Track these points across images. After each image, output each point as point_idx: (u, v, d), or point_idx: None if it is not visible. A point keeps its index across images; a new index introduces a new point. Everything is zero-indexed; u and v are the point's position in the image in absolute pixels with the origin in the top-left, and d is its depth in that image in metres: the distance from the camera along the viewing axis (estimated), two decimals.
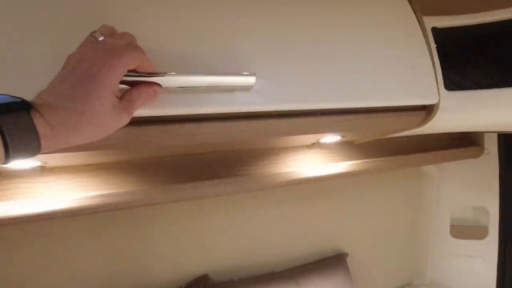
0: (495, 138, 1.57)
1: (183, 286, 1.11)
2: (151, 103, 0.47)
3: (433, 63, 0.79)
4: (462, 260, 1.67)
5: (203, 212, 1.17)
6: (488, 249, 1.64)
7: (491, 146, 1.55)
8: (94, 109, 0.38)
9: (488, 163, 1.59)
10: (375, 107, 0.71)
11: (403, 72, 0.72)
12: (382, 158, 1.12)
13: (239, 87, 0.53)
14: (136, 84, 0.44)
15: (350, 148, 1.14)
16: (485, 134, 1.47)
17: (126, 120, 0.44)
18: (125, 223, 1.05)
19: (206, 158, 0.89)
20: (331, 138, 0.95)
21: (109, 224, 1.03)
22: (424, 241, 1.71)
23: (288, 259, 1.33)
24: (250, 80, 0.52)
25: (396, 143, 1.24)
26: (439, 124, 0.87)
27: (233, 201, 1.21)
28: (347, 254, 1.41)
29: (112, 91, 0.40)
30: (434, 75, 0.78)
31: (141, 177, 0.78)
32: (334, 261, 1.33)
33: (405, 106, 0.78)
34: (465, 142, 1.40)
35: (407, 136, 1.28)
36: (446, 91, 0.82)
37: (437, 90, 0.77)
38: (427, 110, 0.81)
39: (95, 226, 1.01)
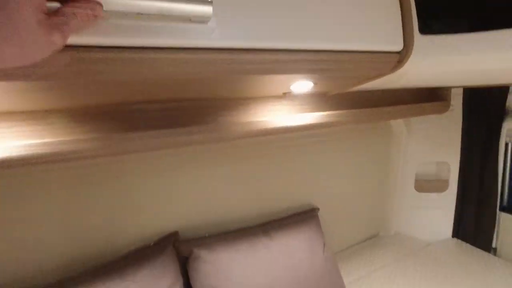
0: (460, 95, 1.61)
1: (152, 243, 1.08)
2: (91, 25, 0.40)
3: (408, 6, 0.75)
4: (423, 211, 1.79)
5: (173, 168, 1.12)
6: (447, 201, 1.75)
7: (456, 103, 1.60)
8: (11, 23, 0.31)
9: (453, 120, 1.65)
10: (343, 49, 0.67)
11: (371, 15, 0.68)
12: (353, 110, 1.11)
13: (194, 17, 0.46)
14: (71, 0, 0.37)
15: (322, 100, 1.11)
16: (452, 90, 1.50)
17: (59, 41, 0.37)
18: (91, 178, 0.98)
19: (171, 106, 0.83)
20: (303, 86, 0.91)
21: (73, 179, 0.95)
22: (390, 195, 1.79)
23: (260, 215, 1.34)
24: (206, 9, 0.45)
25: (368, 97, 1.23)
26: (411, 72, 0.86)
27: (203, 156, 1.17)
28: (318, 209, 1.44)
29: (34, 2, 0.33)
30: (407, 18, 0.75)
31: (94, 125, 0.71)
32: (306, 216, 1.35)
33: (377, 50, 0.75)
34: (432, 97, 1.42)
35: (378, 90, 1.27)
36: (420, 35, 0.79)
37: (407, 35, 0.74)
38: (400, 55, 0.78)
39: (58, 180, 0.93)
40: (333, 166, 1.53)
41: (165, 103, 0.81)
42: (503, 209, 1.64)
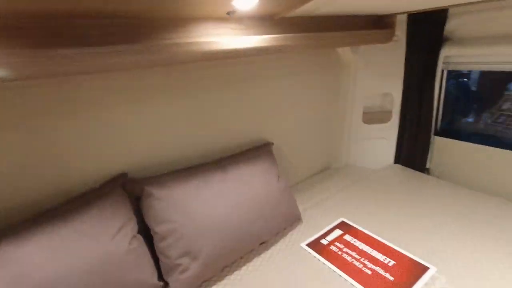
0: (404, 25, 1.65)
1: (99, 186, 1.02)
2: None
3: None
4: (370, 142, 1.91)
5: (114, 103, 1.02)
6: (390, 130, 1.88)
7: (401, 33, 1.64)
8: None
9: (397, 51, 1.70)
10: None
11: None
12: (300, 34, 1.07)
13: None
14: None
15: (269, 24, 1.05)
16: (397, 18, 1.52)
17: None
18: (34, 115, 0.85)
19: (104, 23, 0.71)
20: (246, 1, 0.84)
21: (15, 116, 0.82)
22: (340, 128, 1.88)
23: (214, 152, 1.32)
24: None
25: (316, 22, 1.19)
26: None
27: (148, 90, 1.08)
28: (272, 143, 1.46)
29: None
30: None
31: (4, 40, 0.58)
32: (260, 150, 1.37)
33: None
34: (379, 25, 1.43)
35: (325, 16, 1.24)
36: None
37: None
38: None
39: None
40: (285, 100, 1.53)
41: (96, 19, 0.70)
42: (437, 133, 1.81)
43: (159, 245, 1.00)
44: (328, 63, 1.68)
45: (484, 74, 1.92)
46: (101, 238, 0.89)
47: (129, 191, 1.05)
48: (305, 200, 1.55)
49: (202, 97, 1.22)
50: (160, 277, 1.00)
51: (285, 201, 1.29)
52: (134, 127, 1.08)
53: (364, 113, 1.85)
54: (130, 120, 1.07)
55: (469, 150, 1.68)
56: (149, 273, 0.96)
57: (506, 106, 1.83)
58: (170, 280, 0.98)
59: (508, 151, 1.54)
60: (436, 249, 1.15)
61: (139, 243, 0.98)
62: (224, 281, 1.06)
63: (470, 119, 1.88)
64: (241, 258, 1.16)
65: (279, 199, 1.26)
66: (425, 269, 1.06)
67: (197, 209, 1.03)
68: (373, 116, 1.87)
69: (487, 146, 1.61)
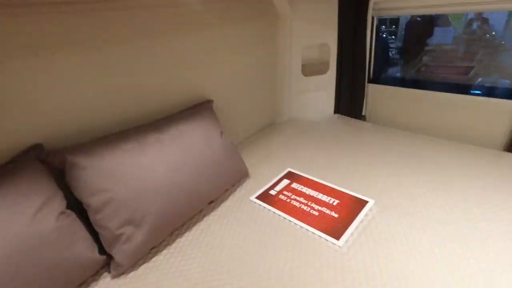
0: None
1: (6, 162, 0.86)
2: None
3: None
4: (310, 95, 1.94)
5: (28, 63, 0.83)
6: (328, 81, 1.92)
7: None
8: None
9: (331, 0, 1.69)
10: None
11: None
12: None
13: None
14: None
15: None
16: None
17: None
18: None
19: None
20: None
21: None
22: (281, 83, 1.86)
23: (148, 113, 1.20)
24: None
25: None
26: None
27: (61, 39, 0.90)
28: (212, 101, 1.39)
29: None
30: None
31: None
32: (199, 108, 1.28)
33: None
34: None
35: None
36: None
37: None
38: None
39: None
40: (221, 54, 1.44)
41: None
42: (370, 81, 1.91)
43: (96, 218, 0.90)
44: (263, 14, 1.60)
45: (410, 24, 2.03)
46: (19, 219, 0.76)
47: (50, 164, 0.91)
48: (251, 156, 1.54)
49: (129, 47, 1.07)
50: (103, 250, 0.92)
51: (230, 157, 1.26)
52: (45, 87, 0.91)
53: (303, 65, 1.85)
54: (40, 79, 0.89)
55: (400, 94, 1.81)
56: (87, 249, 0.87)
57: (425, 60, 1.98)
58: (113, 252, 0.90)
59: (434, 92, 1.69)
60: (374, 185, 1.25)
61: (71, 219, 0.87)
62: (174, 245, 1.02)
63: (399, 66, 2.01)
64: (191, 219, 1.13)
65: (224, 156, 1.22)
66: (364, 203, 1.14)
67: (133, 175, 0.94)
68: (311, 68, 1.88)
69: (415, 89, 1.74)
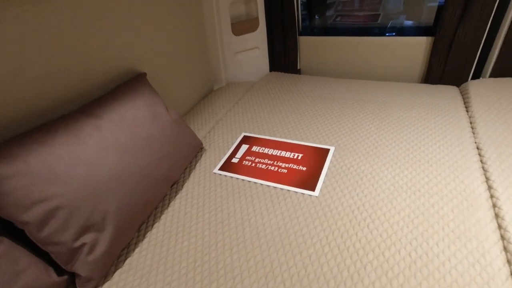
0: None
1: None
2: None
3: None
4: (244, 55, 1.86)
5: None
6: (260, 38, 1.86)
7: None
8: None
9: None
10: None
11: None
12: None
13: None
14: None
15: None
16: None
17: None
18: None
19: None
20: None
21: None
22: (212, 45, 1.73)
23: (73, 97, 0.98)
24: None
25: None
26: None
27: None
28: (145, 73, 1.20)
29: None
30: None
31: None
32: (133, 83, 1.10)
33: None
34: None
35: None
36: None
37: None
38: None
39: None
40: (146, 21, 1.23)
41: None
42: (300, 33, 1.91)
43: (40, 236, 0.72)
44: None
45: None
46: None
47: None
48: (200, 127, 1.44)
49: (20, 14, 0.81)
50: (60, 270, 0.76)
51: (182, 133, 1.14)
52: None
53: (233, 24, 1.74)
54: None
55: (328, 43, 1.86)
56: (39, 275, 0.71)
57: (338, 10, 2.04)
58: (76, 267, 0.75)
59: (359, 37, 1.78)
60: (328, 133, 1.29)
61: (4, 248, 0.68)
62: (146, 239, 0.91)
63: (317, 18, 2.04)
64: (156, 208, 1.01)
65: (176, 132, 1.10)
66: (326, 151, 1.18)
67: (78, 172, 0.77)
68: (241, 26, 1.78)
69: (342, 37, 1.81)
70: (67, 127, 0.83)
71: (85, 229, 0.76)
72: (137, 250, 0.88)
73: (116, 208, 0.81)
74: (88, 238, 0.76)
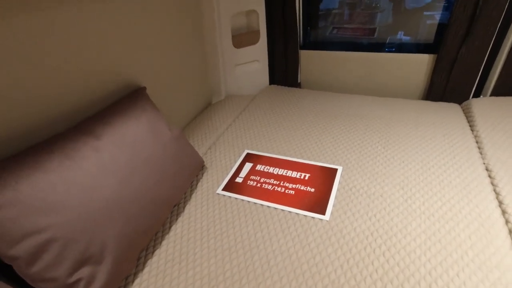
0: None
1: None
2: None
3: None
4: (244, 67, 1.82)
5: None
6: (261, 51, 1.83)
7: None
8: None
9: None
10: None
11: None
12: None
13: None
14: None
15: None
16: None
17: None
18: None
19: None
20: None
21: None
22: (212, 58, 1.68)
23: (69, 113, 0.91)
24: None
25: None
26: None
27: None
28: (144, 87, 1.14)
29: None
30: None
31: None
32: (133, 98, 1.04)
33: None
34: None
35: None
36: None
37: None
38: None
39: None
40: (143, 29, 1.18)
41: None
42: (301, 47, 1.89)
43: (31, 272, 0.64)
44: None
45: None
46: None
47: None
48: (200, 143, 1.38)
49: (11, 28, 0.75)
50: None
51: (184, 151, 1.08)
52: None
53: (233, 36, 1.70)
54: None
55: (329, 58, 1.85)
56: None
57: (335, 19, 2.03)
58: None
59: (359, 52, 1.77)
60: (335, 152, 1.26)
61: None
62: (147, 269, 0.83)
63: (324, 31, 2.03)
64: (156, 233, 0.94)
65: (177, 150, 1.04)
66: (334, 171, 1.14)
67: (74, 199, 0.70)
68: (242, 39, 1.74)
69: (342, 52, 1.80)
70: (62, 149, 0.76)
71: (81, 263, 0.68)
72: (136, 281, 0.80)
73: (115, 237, 0.74)
74: (84, 272, 0.69)
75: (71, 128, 0.85)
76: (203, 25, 1.58)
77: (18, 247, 0.63)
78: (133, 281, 0.81)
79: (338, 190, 1.06)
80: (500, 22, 1.38)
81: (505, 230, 0.87)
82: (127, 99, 1.03)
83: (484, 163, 1.13)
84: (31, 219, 0.64)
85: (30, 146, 0.78)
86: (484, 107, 1.42)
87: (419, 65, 1.67)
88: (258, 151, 1.30)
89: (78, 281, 0.68)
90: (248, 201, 1.04)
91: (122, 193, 0.79)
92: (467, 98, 1.61)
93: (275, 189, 1.07)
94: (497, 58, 1.49)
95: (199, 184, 1.14)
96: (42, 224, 0.65)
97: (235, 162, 1.24)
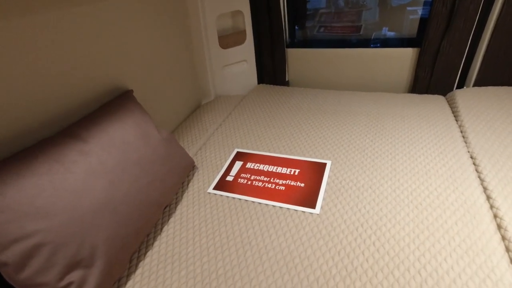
0: None
1: None
2: None
3: None
4: (232, 68, 1.83)
5: None
6: (248, 51, 1.84)
7: None
8: None
9: None
10: None
11: None
12: None
13: None
14: None
15: None
16: None
17: None
18: None
19: None
20: None
21: None
22: (200, 59, 1.69)
23: (54, 118, 0.90)
24: None
25: None
26: None
27: None
28: (131, 90, 1.14)
29: None
30: None
31: None
32: (120, 101, 1.04)
33: None
34: None
35: None
36: None
37: None
38: None
39: None
40: (131, 36, 1.18)
41: None
42: (287, 45, 1.91)
43: (20, 278, 0.64)
44: None
45: None
46: None
47: None
48: (190, 144, 1.38)
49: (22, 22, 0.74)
50: None
51: (174, 152, 1.08)
52: None
53: (220, 37, 1.71)
54: None
55: (315, 55, 1.87)
56: None
57: (322, 18, 2.06)
58: None
59: (344, 49, 1.79)
60: (323, 147, 1.27)
61: None
62: (139, 270, 0.83)
63: (306, 28, 2.05)
64: (147, 235, 0.94)
65: (167, 152, 1.04)
66: (323, 165, 1.15)
67: (63, 203, 0.70)
68: (229, 40, 1.75)
69: (328, 49, 1.82)
70: (49, 153, 0.76)
71: (71, 267, 0.68)
72: (129, 283, 0.80)
73: (105, 240, 0.74)
74: (75, 276, 0.68)
75: (58, 132, 0.84)
76: (189, 26, 1.59)
77: (6, 253, 0.62)
78: (125, 283, 0.80)
79: (327, 184, 1.07)
80: (478, 16, 1.42)
81: (489, 215, 0.89)
82: (115, 102, 1.03)
83: (468, 152, 1.16)
84: (19, 225, 0.63)
85: (17, 152, 0.77)
86: (467, 97, 1.45)
87: (404, 59, 1.70)
88: (248, 149, 1.31)
89: (69, 285, 0.67)
90: (239, 199, 1.04)
91: (112, 196, 0.79)
92: (451, 90, 1.65)
93: (266, 186, 1.08)
94: (477, 50, 1.53)
95: (190, 184, 1.14)
96: (30, 229, 0.64)
97: (226, 161, 1.25)
